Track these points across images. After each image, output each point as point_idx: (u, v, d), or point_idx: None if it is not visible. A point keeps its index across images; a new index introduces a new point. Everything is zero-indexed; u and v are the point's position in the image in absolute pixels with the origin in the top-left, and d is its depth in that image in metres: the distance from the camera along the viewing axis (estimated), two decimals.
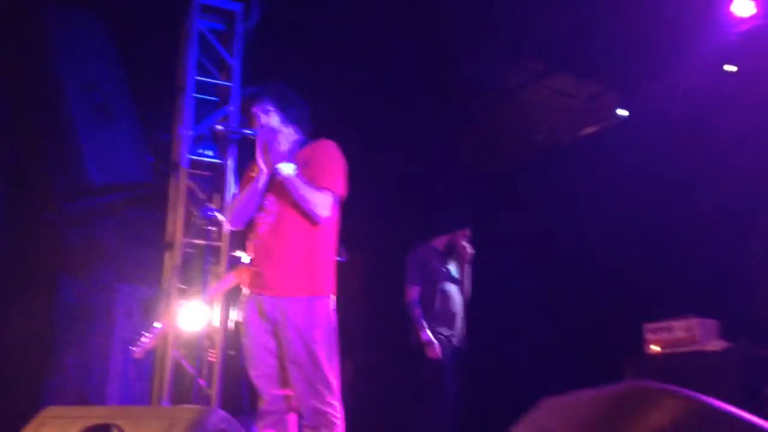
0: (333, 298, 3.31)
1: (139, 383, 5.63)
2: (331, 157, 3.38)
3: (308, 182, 3.21)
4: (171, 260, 4.70)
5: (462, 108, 7.25)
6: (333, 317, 3.26)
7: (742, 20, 5.99)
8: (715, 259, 5.53)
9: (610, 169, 6.65)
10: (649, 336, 5.10)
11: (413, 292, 5.36)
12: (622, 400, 1.31)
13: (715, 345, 4.77)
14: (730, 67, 6.19)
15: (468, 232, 5.57)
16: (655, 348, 5.05)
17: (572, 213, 6.69)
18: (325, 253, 3.32)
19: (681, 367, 4.82)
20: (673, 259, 5.73)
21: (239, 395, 4.60)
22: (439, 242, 5.62)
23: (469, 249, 5.51)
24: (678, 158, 6.14)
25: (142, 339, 4.22)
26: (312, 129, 3.55)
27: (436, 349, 5.21)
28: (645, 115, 6.93)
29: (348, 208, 3.48)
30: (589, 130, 7.63)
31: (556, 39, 6.40)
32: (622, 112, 7.23)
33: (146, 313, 5.48)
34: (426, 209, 6.85)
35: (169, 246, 4.76)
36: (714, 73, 6.30)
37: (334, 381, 3.11)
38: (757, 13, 5.86)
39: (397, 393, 6.54)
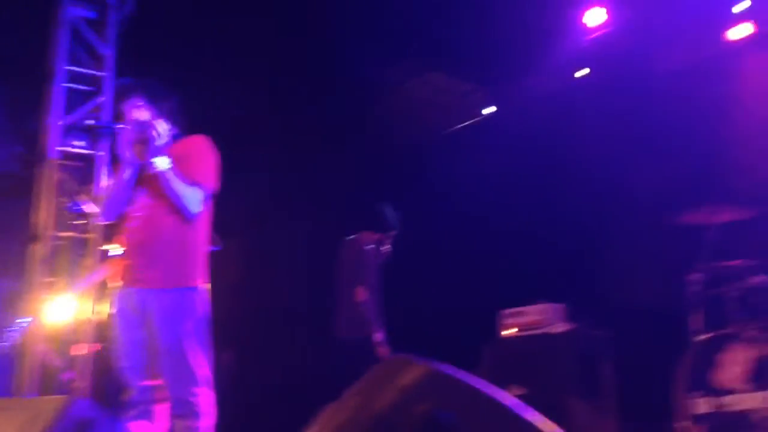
0: (205, 288, 3.41)
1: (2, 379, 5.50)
2: (203, 152, 3.47)
3: (181, 177, 3.30)
4: (37, 253, 4.66)
5: (342, 103, 7.44)
6: (204, 308, 3.37)
7: (594, 29, 6.55)
8: (565, 250, 6.03)
9: (478, 162, 7.04)
10: (505, 321, 5.54)
11: (364, 291, 5.25)
12: (380, 370, 1.72)
13: (561, 327, 5.26)
14: (582, 72, 6.74)
15: (394, 234, 5.58)
16: (509, 331, 5.49)
17: (439, 207, 7.04)
18: (197, 245, 3.42)
19: (532, 348, 5.29)
20: (530, 249, 6.19)
21: (108, 387, 4.62)
22: (368, 238, 5.59)
23: (389, 249, 5.53)
24: (538, 154, 6.62)
25: (8, 333, 4.18)
26: (185, 122, 3.61)
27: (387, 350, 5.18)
28: (510, 113, 7.40)
29: (225, 196, 3.56)
30: (461, 125, 8.02)
31: (434, 40, 6.72)
32: (490, 110, 7.68)
33: (11, 306, 5.37)
34: (307, 199, 6.99)
35: (35, 238, 4.70)
36: (569, 76, 6.85)
37: (203, 371, 3.24)
38: (606, 21, 6.42)
39: (281, 381, 6.69)
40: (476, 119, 7.88)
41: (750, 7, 5.78)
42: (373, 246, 5.42)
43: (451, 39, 6.79)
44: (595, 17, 6.46)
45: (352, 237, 5.54)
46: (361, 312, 5.19)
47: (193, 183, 3.33)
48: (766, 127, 5.13)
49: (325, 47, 6.70)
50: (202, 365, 3.25)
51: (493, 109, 7.69)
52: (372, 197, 7.28)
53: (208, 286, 3.44)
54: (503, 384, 5.30)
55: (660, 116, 5.83)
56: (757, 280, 4.08)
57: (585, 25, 6.55)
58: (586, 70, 6.80)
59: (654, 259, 5.28)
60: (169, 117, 3.51)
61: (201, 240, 3.45)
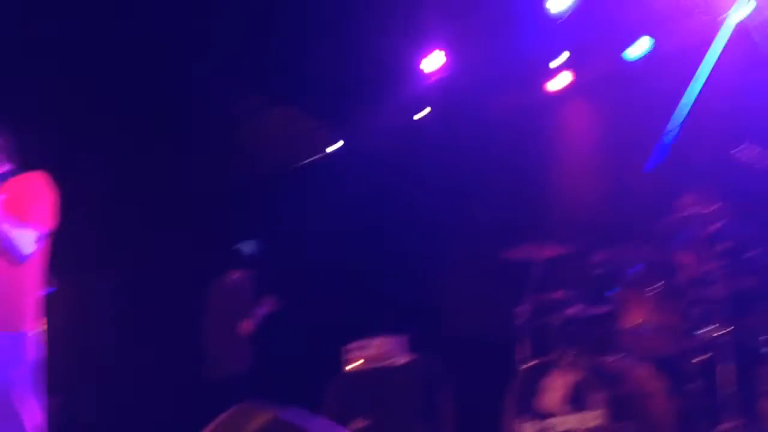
0: (37, 332, 3.29)
1: None
2: (38, 190, 3.35)
3: (11, 218, 3.17)
4: None
5: (188, 132, 7.35)
6: (35, 353, 3.24)
7: (434, 72, 6.94)
8: (406, 283, 6.29)
9: (327, 197, 7.19)
10: (348, 355, 5.68)
11: (249, 323, 5.38)
12: (226, 418, 1.80)
13: (403, 359, 5.48)
14: (421, 114, 7.14)
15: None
16: (352, 366, 5.64)
17: (286, 243, 7.10)
18: (27, 288, 3.29)
19: (375, 380, 5.46)
20: (372, 283, 6.40)
21: None
22: (237, 276, 5.58)
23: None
24: (381, 191, 6.88)
25: None
26: (21, 160, 3.49)
27: None
28: (356, 149, 7.65)
29: (61, 235, 3.46)
30: (309, 159, 8.16)
31: (284, 75, 6.83)
32: (336, 146, 7.89)
33: None
34: (142, 236, 6.83)
35: None
36: (410, 116, 7.21)
37: (33, 420, 3.11)
38: (445, 65, 6.82)
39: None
40: (323, 155, 8.06)
41: (569, 58, 6.38)
42: (243, 283, 5.54)
43: (302, 75, 6.95)
44: (434, 61, 6.84)
45: (222, 278, 5.61)
46: (242, 346, 5.26)
47: (26, 223, 3.21)
48: (582, 170, 5.66)
49: (172, 78, 6.63)
50: (32, 413, 3.12)
51: (339, 144, 7.90)
52: (221, 234, 7.25)
53: (42, 328, 3.31)
54: (349, 417, 5.45)
55: (492, 157, 6.26)
56: (574, 310, 4.47)
57: (425, 68, 6.93)
58: (426, 110, 7.18)
59: (487, 291, 5.63)
60: (2, 154, 3.37)
61: (32, 282, 3.33)
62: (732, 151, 4.24)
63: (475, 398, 5.26)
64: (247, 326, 5.37)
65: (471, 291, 5.81)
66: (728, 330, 4.05)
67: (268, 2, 6.02)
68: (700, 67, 5.41)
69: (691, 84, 5.43)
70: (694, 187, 4.58)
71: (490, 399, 4.70)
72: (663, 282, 4.21)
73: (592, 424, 3.94)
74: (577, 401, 4.05)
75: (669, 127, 5.24)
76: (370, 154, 7.27)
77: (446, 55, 6.75)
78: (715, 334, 4.04)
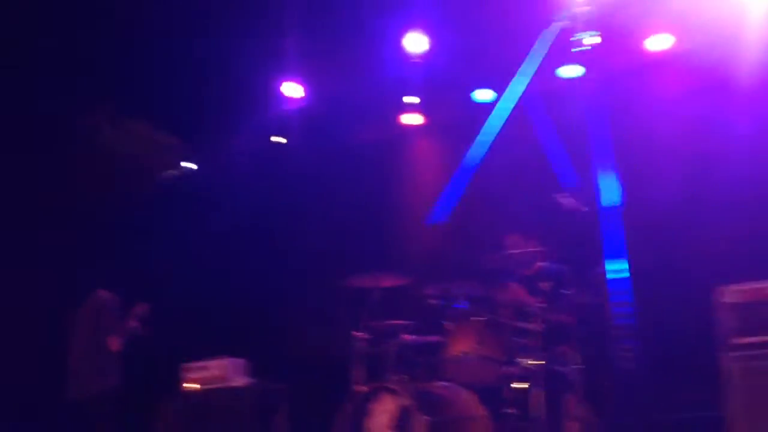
0: None
1: None
2: None
3: None
4: None
5: (37, 143, 7.02)
6: None
7: (292, 100, 7.05)
8: (248, 307, 6.32)
9: (177, 217, 7.08)
10: (186, 375, 5.63)
11: (117, 340, 5.42)
12: None
13: (240, 381, 5.49)
14: (278, 139, 7.23)
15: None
16: (190, 385, 5.59)
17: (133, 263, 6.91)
18: None
19: (212, 401, 5.44)
20: (214, 306, 6.38)
21: None
22: (105, 295, 5.58)
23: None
24: (229, 212, 6.86)
25: None
26: None
27: None
28: (209, 169, 7.61)
29: None
30: (163, 176, 8.00)
31: (138, 91, 6.70)
32: (190, 165, 7.81)
33: None
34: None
35: None
36: (267, 140, 7.28)
37: None
38: (304, 96, 6.96)
39: None
40: (178, 172, 7.94)
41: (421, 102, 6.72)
42: (110, 300, 5.48)
43: (158, 90, 6.85)
44: (292, 90, 6.96)
45: (89, 296, 5.53)
46: (110, 363, 5.30)
47: None
48: (422, 206, 5.95)
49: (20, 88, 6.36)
50: None
51: (193, 164, 7.82)
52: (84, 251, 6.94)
53: None
54: None
55: (342, 187, 6.45)
56: (406, 338, 4.69)
57: (286, 93, 7.03)
58: (281, 138, 7.29)
59: (326, 318, 5.77)
60: None
61: None
62: (553, 196, 4.65)
63: (310, 420, 5.35)
64: (115, 343, 5.32)
65: (313, 317, 5.93)
66: (542, 360, 4.40)
67: (128, 14, 5.93)
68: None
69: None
70: (518, 229, 4.96)
71: (325, 421, 4.81)
72: (487, 315, 4.51)
73: None
74: (401, 425, 4.24)
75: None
76: (223, 175, 7.27)
77: (305, 83, 6.92)
78: (531, 364, 4.37)
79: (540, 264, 4.94)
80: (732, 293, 3.53)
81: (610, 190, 4.65)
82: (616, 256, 4.58)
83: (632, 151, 5.15)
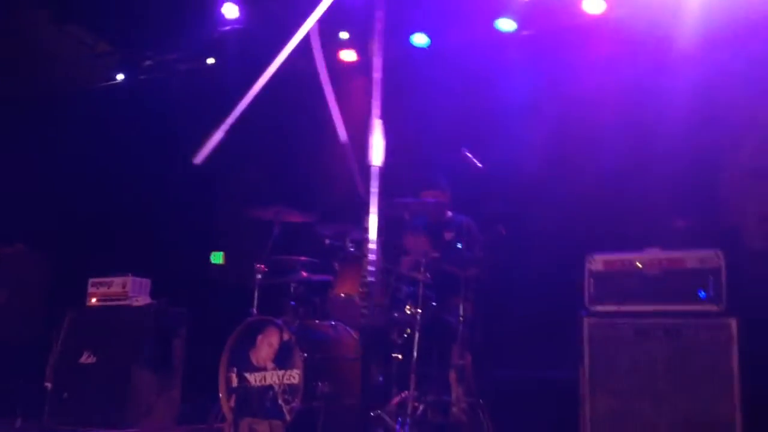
0: None
1: None
2: None
3: None
4: None
5: None
6: None
7: (228, 21, 6.88)
8: (158, 227, 6.30)
9: (107, 127, 6.95)
10: (91, 290, 5.64)
11: None
12: None
13: (142, 300, 5.53)
14: (210, 60, 7.08)
15: None
16: (93, 300, 5.62)
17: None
18: None
19: (111, 318, 5.48)
20: (128, 221, 6.34)
21: None
22: None
23: None
24: (156, 130, 6.76)
25: None
26: None
27: None
28: (141, 83, 7.44)
29: None
30: (92, 85, 7.81)
31: None
32: (120, 76, 7.63)
33: None
34: None
35: None
36: (203, 61, 7.12)
37: None
38: (240, 18, 6.78)
39: None
40: (109, 83, 7.75)
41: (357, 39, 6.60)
42: None
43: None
44: (230, 10, 6.78)
45: None
46: None
47: None
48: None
49: None
50: None
51: (121, 76, 7.65)
52: None
53: None
54: (78, 350, 5.45)
55: (268, 116, 6.35)
56: (303, 275, 4.74)
57: (222, 15, 6.85)
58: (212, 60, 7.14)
59: (231, 246, 5.79)
60: None
61: None
62: (462, 151, 4.68)
63: (206, 346, 5.42)
64: None
65: (218, 244, 5.94)
66: (430, 310, 4.51)
67: None
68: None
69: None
70: (430, 178, 4.99)
71: (219, 348, 4.87)
72: (378, 260, 4.57)
73: (288, 381, 4.24)
74: (282, 359, 4.34)
75: None
76: (154, 92, 7.13)
77: (243, 3, 6.73)
78: (417, 312, 4.46)
79: (447, 214, 5.00)
80: (598, 261, 3.64)
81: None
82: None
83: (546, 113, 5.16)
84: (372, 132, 2.38)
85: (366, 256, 2.40)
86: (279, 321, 4.47)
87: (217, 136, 2.58)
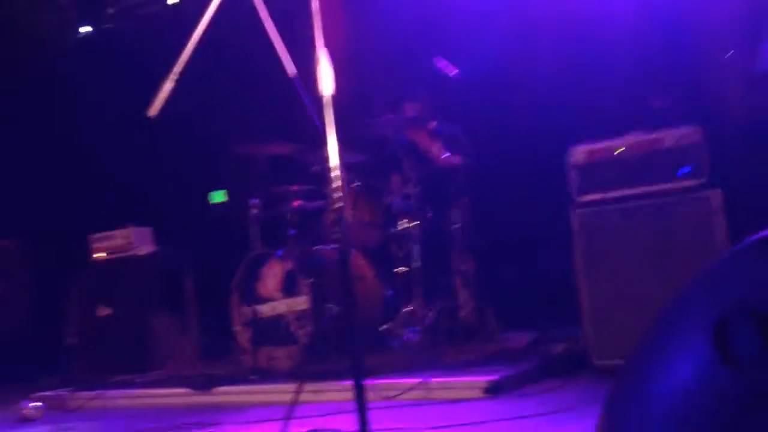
0: None
1: None
2: None
3: None
4: None
5: None
6: None
7: None
8: (150, 175, 6.33)
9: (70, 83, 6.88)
10: (94, 245, 5.74)
11: None
12: None
13: (146, 249, 5.64)
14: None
15: None
16: (98, 255, 5.73)
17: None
18: None
19: (119, 270, 5.60)
20: (119, 174, 6.38)
21: None
22: None
23: None
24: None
25: None
26: None
27: None
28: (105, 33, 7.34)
29: None
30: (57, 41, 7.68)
31: None
32: (86, 29, 7.51)
33: None
34: None
35: None
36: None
37: None
38: None
39: None
40: (74, 36, 7.63)
41: None
42: None
43: None
44: None
45: None
46: None
47: None
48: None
49: None
50: None
51: (89, 29, 7.52)
52: None
53: None
54: (93, 305, 5.60)
55: (238, 54, 6.27)
56: (296, 204, 4.81)
57: None
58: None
59: (225, 185, 5.84)
60: None
61: None
62: (435, 59, 4.67)
63: (214, 284, 5.56)
64: None
65: (213, 183, 5.99)
66: (426, 220, 4.61)
67: None
68: None
69: None
70: (408, 91, 4.98)
71: (227, 285, 4.99)
72: (365, 181, 4.65)
73: (299, 308, 4.38)
74: (288, 288, 4.47)
75: None
76: (122, 40, 7.03)
77: None
78: (412, 225, 4.57)
79: (431, 123, 5.02)
80: (579, 152, 3.69)
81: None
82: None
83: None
84: (318, 62, 2.40)
85: (331, 184, 2.44)
86: (279, 252, 4.57)
87: (167, 85, 2.59)
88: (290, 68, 2.57)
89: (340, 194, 2.48)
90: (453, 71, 4.59)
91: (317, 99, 2.42)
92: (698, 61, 3.75)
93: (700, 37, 3.75)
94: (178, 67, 2.65)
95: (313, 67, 2.42)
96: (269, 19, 2.59)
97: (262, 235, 4.89)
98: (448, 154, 4.81)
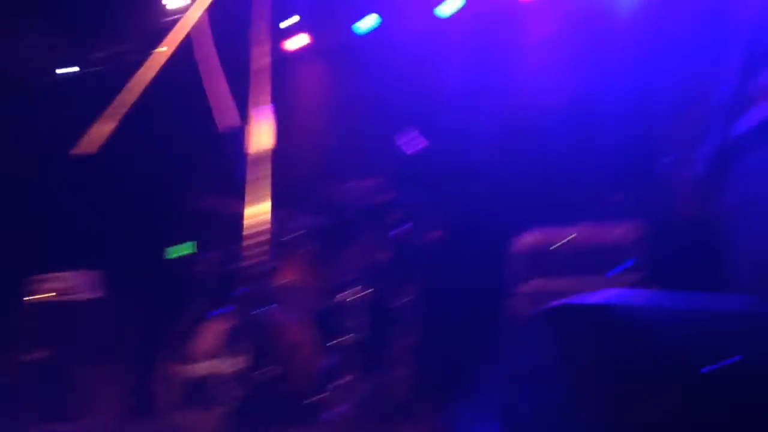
0: None
1: None
2: None
3: None
4: None
5: None
6: None
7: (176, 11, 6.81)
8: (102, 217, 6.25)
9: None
10: (36, 286, 5.59)
11: None
12: None
13: (89, 294, 5.49)
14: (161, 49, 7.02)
15: None
16: (39, 296, 5.56)
17: None
18: None
19: (59, 313, 5.43)
20: (73, 216, 6.29)
21: None
22: None
23: None
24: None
25: None
26: None
27: None
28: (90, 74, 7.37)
29: None
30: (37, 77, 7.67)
31: None
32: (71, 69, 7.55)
33: None
34: None
35: None
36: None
37: None
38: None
39: None
40: (55, 75, 7.64)
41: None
42: None
43: None
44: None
45: None
46: None
47: None
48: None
49: None
50: None
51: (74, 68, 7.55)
52: None
53: None
54: (31, 348, 5.41)
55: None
56: (244, 263, 4.73)
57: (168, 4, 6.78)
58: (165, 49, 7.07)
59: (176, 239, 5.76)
60: None
61: None
62: (403, 134, 4.71)
63: (156, 336, 5.40)
64: None
65: (165, 238, 5.91)
66: (369, 292, 4.54)
67: None
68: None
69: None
70: (370, 162, 5.01)
71: (167, 338, 4.85)
72: (318, 245, 4.60)
73: (232, 370, 4.25)
74: (224, 348, 4.34)
75: None
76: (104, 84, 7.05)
77: None
78: (358, 296, 4.50)
79: (391, 195, 5.01)
80: (527, 238, 3.68)
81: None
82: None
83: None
84: (253, 119, 2.40)
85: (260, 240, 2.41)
86: (222, 310, 4.47)
87: (108, 125, 2.57)
88: (221, 122, 2.57)
89: (267, 249, 2.44)
90: (418, 145, 4.63)
91: (251, 154, 2.41)
92: (647, 160, 3.81)
93: (649, 138, 3.82)
94: (122, 109, 2.64)
95: (253, 123, 2.42)
96: (213, 72, 2.60)
97: (206, 292, 4.80)
98: (407, 225, 4.79)
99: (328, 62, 6.48)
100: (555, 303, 1.38)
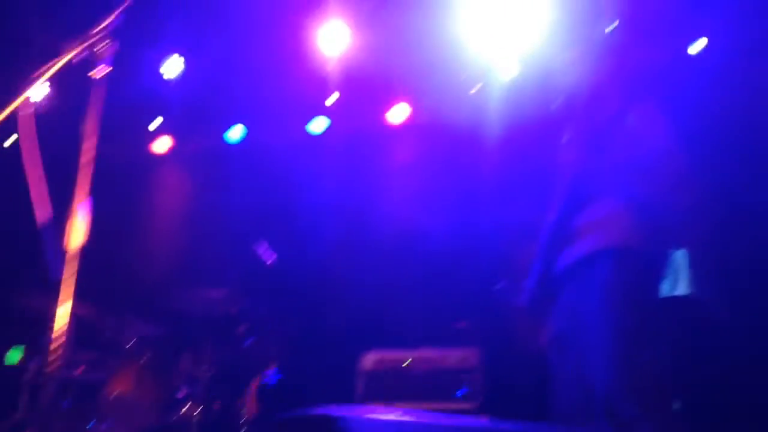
0: None
1: None
2: None
3: None
4: None
5: None
6: None
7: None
8: None
9: None
10: None
11: None
12: None
13: None
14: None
15: None
16: None
17: None
18: None
19: None
20: None
21: None
22: None
23: None
24: None
25: None
26: None
27: None
28: None
29: None
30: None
31: None
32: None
33: None
34: None
35: None
36: None
37: None
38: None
39: None
40: None
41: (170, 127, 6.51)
42: None
43: None
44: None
45: None
46: None
47: None
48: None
49: None
50: None
51: None
52: None
53: None
54: None
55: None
56: (77, 373, 4.42)
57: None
58: None
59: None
60: None
61: None
62: (256, 246, 4.65)
63: None
64: None
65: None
66: (213, 409, 4.32)
67: None
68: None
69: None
70: (220, 273, 4.90)
71: None
72: (152, 356, 4.37)
73: None
74: None
75: None
76: None
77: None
78: (194, 412, 4.27)
79: (239, 307, 4.88)
80: (369, 360, 3.66)
81: None
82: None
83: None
84: (72, 215, 2.31)
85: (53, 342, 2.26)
86: (37, 425, 4.10)
87: None
88: (40, 215, 2.45)
89: (59, 353, 2.28)
90: (270, 257, 4.57)
91: (64, 252, 2.29)
92: (482, 289, 3.94)
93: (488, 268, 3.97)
94: None
95: (69, 219, 2.32)
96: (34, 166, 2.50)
97: (34, 403, 4.41)
98: (251, 339, 4.66)
99: (189, 167, 6.41)
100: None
